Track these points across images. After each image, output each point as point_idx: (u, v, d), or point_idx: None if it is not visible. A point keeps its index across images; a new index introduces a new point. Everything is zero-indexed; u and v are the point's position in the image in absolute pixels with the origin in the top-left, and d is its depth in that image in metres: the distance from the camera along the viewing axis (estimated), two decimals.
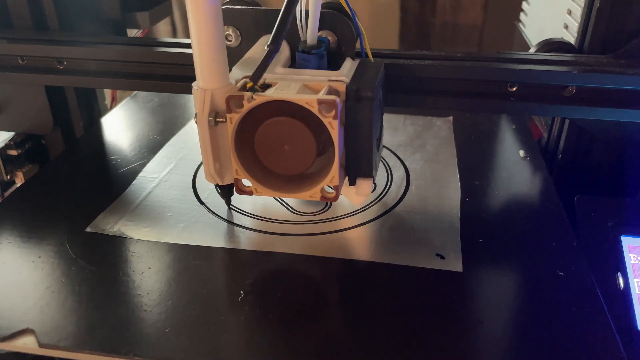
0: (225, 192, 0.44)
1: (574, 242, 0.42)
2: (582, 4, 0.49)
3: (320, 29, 0.40)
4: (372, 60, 0.42)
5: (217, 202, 0.47)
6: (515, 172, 0.52)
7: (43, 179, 0.53)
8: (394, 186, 0.49)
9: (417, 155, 0.54)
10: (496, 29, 1.28)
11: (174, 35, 1.32)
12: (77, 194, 0.50)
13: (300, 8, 0.39)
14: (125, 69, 0.51)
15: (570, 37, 0.52)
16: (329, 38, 0.41)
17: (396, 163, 0.53)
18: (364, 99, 0.36)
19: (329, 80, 0.37)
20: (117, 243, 0.42)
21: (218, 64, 0.36)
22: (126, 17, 0.63)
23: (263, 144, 0.37)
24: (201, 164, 0.51)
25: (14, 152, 0.59)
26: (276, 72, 0.39)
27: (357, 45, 0.42)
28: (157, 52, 0.49)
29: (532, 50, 0.52)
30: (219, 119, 0.37)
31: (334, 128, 0.35)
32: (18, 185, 0.60)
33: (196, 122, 0.38)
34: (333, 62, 0.41)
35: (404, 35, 1.43)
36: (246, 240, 0.42)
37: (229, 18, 0.42)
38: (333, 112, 0.34)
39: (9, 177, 0.60)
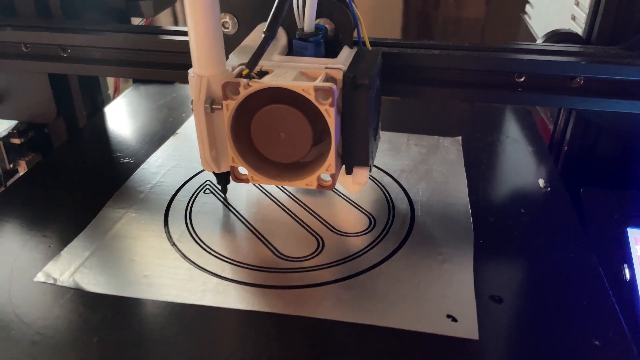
0: (222, 179, 0.43)
1: (596, 268, 0.39)
2: None
3: (317, 16, 0.40)
4: (370, 48, 0.42)
5: (189, 244, 0.41)
6: (535, 206, 0.46)
7: (46, 168, 0.53)
8: (396, 223, 0.43)
9: (423, 184, 0.48)
10: (499, 23, 1.28)
11: (176, 26, 1.32)
12: (80, 184, 0.49)
13: None
14: (130, 57, 0.50)
15: (578, 28, 0.52)
16: (327, 26, 0.41)
17: (399, 194, 0.47)
18: (361, 87, 0.36)
19: (326, 68, 0.36)
20: (70, 296, 0.36)
21: (214, 50, 0.36)
22: (130, 6, 0.63)
23: (259, 132, 0.36)
24: (176, 194, 0.47)
25: (17, 141, 0.59)
26: (273, 59, 0.39)
27: (356, 34, 0.42)
28: (162, 40, 0.49)
29: (539, 41, 0.52)
30: (215, 106, 0.37)
31: (331, 116, 0.34)
32: (21, 174, 0.60)
33: (192, 109, 0.37)
34: (330, 50, 0.40)
35: (406, 29, 1.43)
36: (221, 295, 0.36)
37: (226, 5, 0.42)
38: (330, 100, 0.34)
39: (11, 165, 0.59)
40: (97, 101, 0.65)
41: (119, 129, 0.61)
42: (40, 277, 0.38)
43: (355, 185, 0.41)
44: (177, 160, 0.53)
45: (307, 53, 0.39)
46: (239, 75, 0.35)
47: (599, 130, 0.51)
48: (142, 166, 0.52)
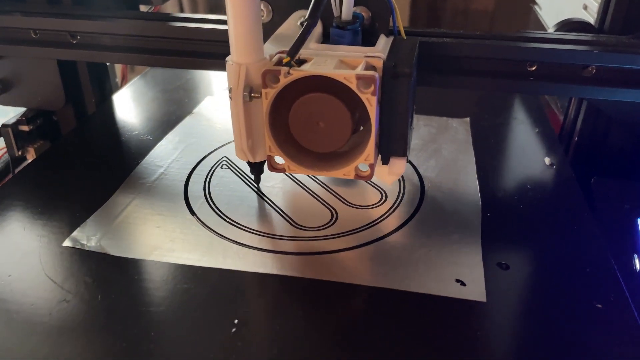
0: (256, 169, 0.42)
1: (599, 238, 0.40)
2: None
3: (354, 4, 0.39)
4: (405, 37, 0.41)
5: (209, 213, 0.43)
6: (540, 182, 0.47)
7: (54, 155, 0.53)
8: (407, 197, 0.45)
9: (432, 161, 0.50)
10: (508, 14, 1.27)
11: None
12: (87, 173, 0.49)
13: None
14: (139, 44, 0.50)
15: (590, 18, 0.52)
16: (363, 14, 0.40)
17: (409, 170, 0.48)
18: (401, 75, 0.35)
19: (366, 56, 0.36)
20: (97, 260, 0.38)
21: (253, 38, 0.35)
22: None
23: (297, 121, 0.36)
24: (194, 169, 0.49)
25: (25, 128, 0.59)
26: (310, 47, 0.38)
27: (391, 22, 0.41)
28: (171, 27, 0.49)
29: (551, 31, 0.51)
30: (253, 95, 0.36)
31: (372, 105, 0.34)
32: (29, 161, 0.60)
33: (230, 98, 0.37)
34: (365, 39, 0.40)
35: (414, 21, 1.42)
36: (241, 260, 0.38)
37: None
38: (372, 88, 0.33)
39: (20, 152, 0.59)
40: (106, 89, 0.64)
41: (132, 112, 0.61)
42: (68, 242, 0.40)
43: (391, 176, 0.40)
44: (195, 138, 0.54)
45: (344, 41, 0.38)
46: (278, 63, 0.35)
47: (610, 120, 0.51)
48: (161, 142, 0.54)
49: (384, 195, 0.45)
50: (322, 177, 0.47)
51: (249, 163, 0.41)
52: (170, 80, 0.69)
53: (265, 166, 0.39)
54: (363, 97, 0.33)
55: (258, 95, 0.36)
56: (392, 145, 0.38)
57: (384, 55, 0.36)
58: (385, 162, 0.39)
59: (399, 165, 0.39)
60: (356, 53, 0.36)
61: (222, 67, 0.48)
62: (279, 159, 0.38)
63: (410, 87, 0.36)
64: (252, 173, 0.43)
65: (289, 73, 0.34)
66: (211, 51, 0.48)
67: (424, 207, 0.44)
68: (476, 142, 0.53)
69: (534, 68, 0.43)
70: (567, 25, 0.50)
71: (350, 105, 0.34)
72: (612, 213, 0.45)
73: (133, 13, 0.58)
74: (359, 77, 0.33)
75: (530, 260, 0.39)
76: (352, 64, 0.36)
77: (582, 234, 0.41)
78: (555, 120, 0.60)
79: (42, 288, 0.36)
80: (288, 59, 0.34)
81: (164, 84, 0.68)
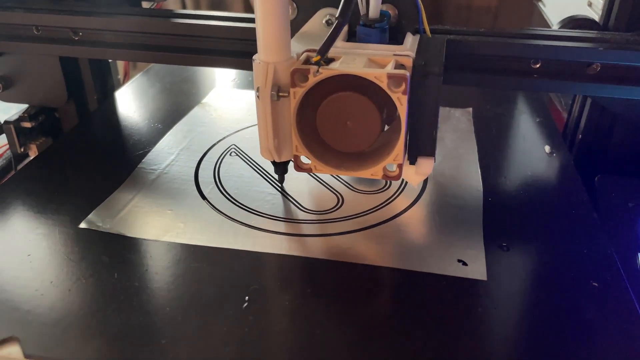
0: (280, 169, 0.42)
1: (595, 222, 0.41)
2: None
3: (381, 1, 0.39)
4: (430, 35, 0.41)
5: (219, 197, 0.45)
6: (541, 169, 0.49)
7: (57, 152, 0.53)
8: (411, 184, 0.46)
9: (435, 149, 0.52)
10: (511, 11, 1.26)
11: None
12: (90, 169, 0.49)
13: None
14: (141, 41, 0.50)
15: (594, 15, 0.51)
16: (390, 12, 0.40)
17: None
18: (431, 74, 0.35)
19: (395, 55, 0.35)
20: (112, 241, 0.40)
21: (282, 37, 0.35)
22: None
23: (325, 120, 0.35)
24: (204, 156, 0.51)
25: (27, 125, 0.59)
26: (337, 46, 0.37)
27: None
28: (174, 24, 0.49)
29: (555, 28, 0.51)
30: (281, 94, 0.36)
31: (403, 104, 0.33)
32: (31, 158, 0.60)
33: (257, 97, 0.36)
34: (391, 37, 0.39)
35: None
36: (251, 241, 0.40)
37: None
38: (402, 87, 0.33)
39: (22, 149, 0.59)
40: (108, 86, 0.64)
41: (134, 108, 0.61)
42: (84, 224, 0.41)
43: (418, 176, 0.40)
44: (204, 127, 0.56)
45: (371, 39, 0.38)
46: (306, 62, 0.35)
47: (614, 117, 0.50)
48: (170, 132, 0.55)
49: (388, 181, 0.46)
50: None
51: (273, 162, 0.41)
52: (173, 77, 0.69)
53: (290, 165, 0.39)
54: (394, 96, 0.33)
55: (285, 94, 0.35)
56: (420, 144, 0.38)
57: (413, 54, 0.35)
58: (413, 162, 0.38)
59: (426, 165, 0.38)
60: (385, 52, 0.36)
61: (224, 63, 0.49)
62: (306, 159, 0.38)
63: (440, 86, 0.35)
64: (276, 172, 0.43)
65: (318, 72, 0.34)
66: (214, 48, 0.48)
67: (427, 192, 0.45)
68: (478, 131, 0.55)
69: (537, 65, 0.43)
70: (572, 22, 0.50)
71: (378, 105, 0.34)
72: (616, 211, 0.45)
73: (135, 9, 0.58)
74: (390, 76, 0.33)
75: (530, 242, 0.40)
76: (381, 63, 0.35)
77: (580, 217, 0.42)
78: (559, 118, 0.60)
79: (60, 267, 0.37)
80: (318, 57, 0.33)
81: (166, 80, 0.68)
